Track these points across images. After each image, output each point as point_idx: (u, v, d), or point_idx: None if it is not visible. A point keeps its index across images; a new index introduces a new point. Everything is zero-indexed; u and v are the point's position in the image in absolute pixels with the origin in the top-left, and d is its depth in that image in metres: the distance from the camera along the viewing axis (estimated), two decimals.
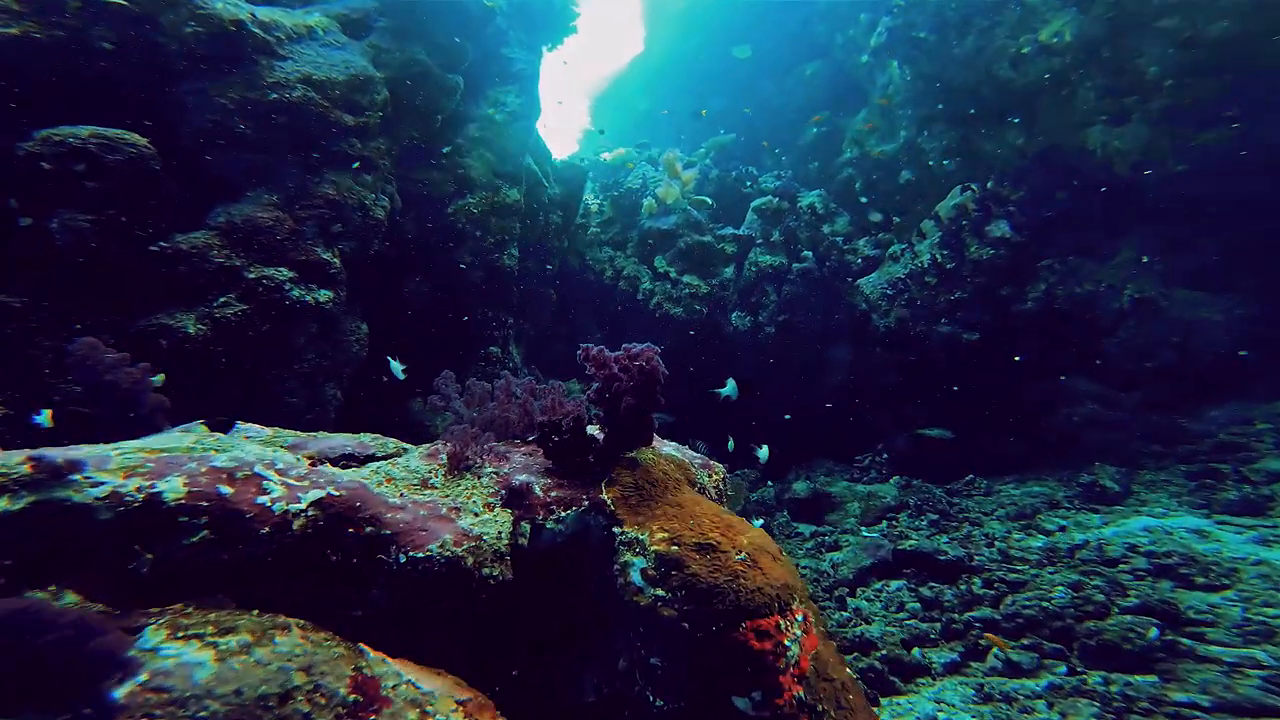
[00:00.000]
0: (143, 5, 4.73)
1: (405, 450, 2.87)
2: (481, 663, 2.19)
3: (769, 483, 9.01)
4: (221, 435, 2.56)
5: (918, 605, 5.49)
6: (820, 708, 2.09)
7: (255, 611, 1.71)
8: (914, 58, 10.92)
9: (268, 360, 5.00)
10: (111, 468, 1.90)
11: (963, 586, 5.58)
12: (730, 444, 5.52)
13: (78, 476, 1.79)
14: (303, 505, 2.04)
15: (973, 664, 4.63)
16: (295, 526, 1.99)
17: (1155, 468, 7.57)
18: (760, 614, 2.10)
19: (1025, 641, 4.69)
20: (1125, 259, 8.70)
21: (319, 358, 5.38)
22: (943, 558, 6.04)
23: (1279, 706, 3.63)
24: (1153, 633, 4.31)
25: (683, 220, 10.64)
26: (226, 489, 1.97)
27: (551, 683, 2.37)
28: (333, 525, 2.06)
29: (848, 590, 6.02)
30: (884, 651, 4.74)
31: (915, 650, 4.81)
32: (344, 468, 2.55)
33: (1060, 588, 5.11)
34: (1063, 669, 4.32)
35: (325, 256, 5.32)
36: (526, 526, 2.37)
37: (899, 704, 4.26)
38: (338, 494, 2.14)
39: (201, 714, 1.38)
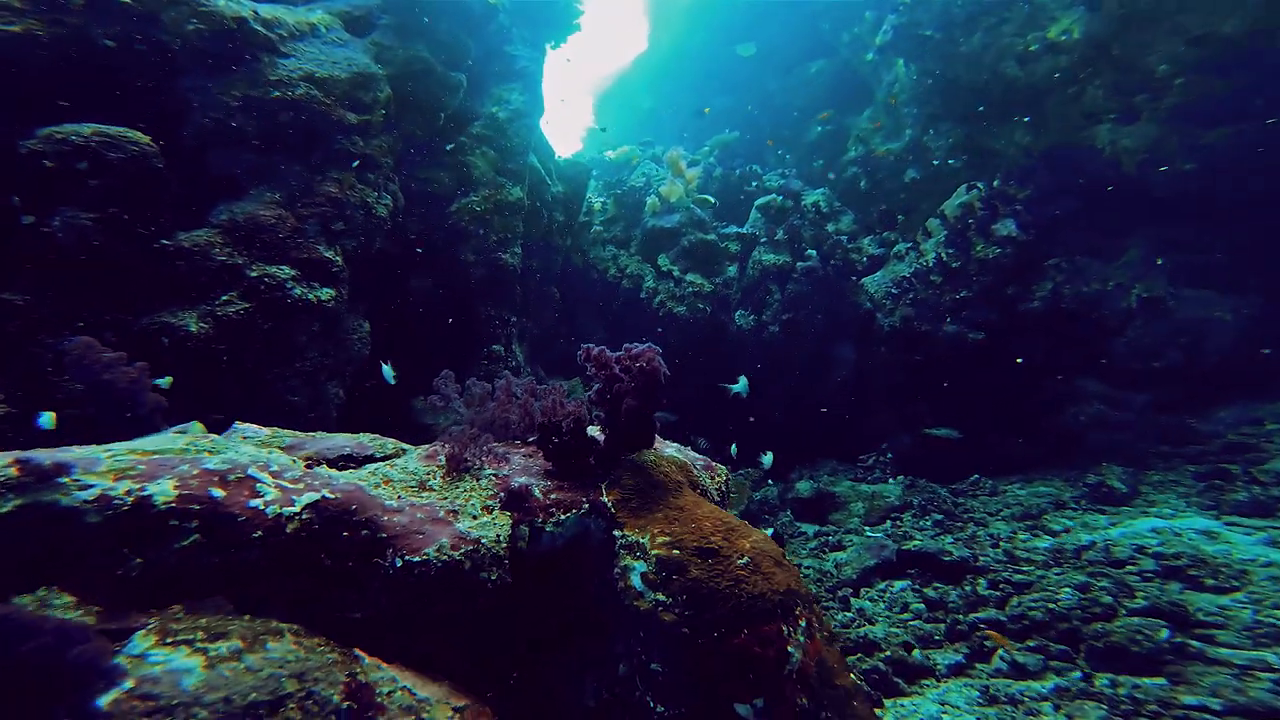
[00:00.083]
0: (145, 3, 4.72)
1: (404, 451, 2.84)
2: (480, 668, 2.16)
3: (771, 482, 8.96)
4: (217, 436, 2.53)
5: (922, 606, 5.45)
6: (825, 715, 2.06)
7: (247, 616, 1.68)
8: (920, 56, 10.84)
9: (270, 359, 4.99)
10: (101, 470, 1.87)
11: (967, 587, 5.53)
12: (734, 450, 5.50)
13: (65, 479, 1.76)
14: (297, 508, 2.01)
15: (978, 665, 4.58)
16: (289, 530, 1.96)
17: (1163, 468, 7.49)
18: (763, 620, 2.06)
19: (1031, 643, 4.64)
20: (1133, 258, 8.62)
21: (321, 356, 5.36)
22: (947, 558, 5.99)
23: None
24: (1163, 634, 4.26)
25: (686, 218, 10.59)
26: (218, 492, 1.94)
27: (551, 688, 2.34)
28: (328, 528, 2.03)
29: (851, 591, 5.98)
30: (888, 653, 4.70)
31: (919, 651, 4.77)
32: (342, 469, 2.53)
33: (1067, 589, 5.05)
34: (1077, 674, 4.27)
35: (327, 255, 5.30)
36: (526, 529, 2.33)
37: (903, 705, 4.22)
38: (333, 496, 2.11)
39: None
